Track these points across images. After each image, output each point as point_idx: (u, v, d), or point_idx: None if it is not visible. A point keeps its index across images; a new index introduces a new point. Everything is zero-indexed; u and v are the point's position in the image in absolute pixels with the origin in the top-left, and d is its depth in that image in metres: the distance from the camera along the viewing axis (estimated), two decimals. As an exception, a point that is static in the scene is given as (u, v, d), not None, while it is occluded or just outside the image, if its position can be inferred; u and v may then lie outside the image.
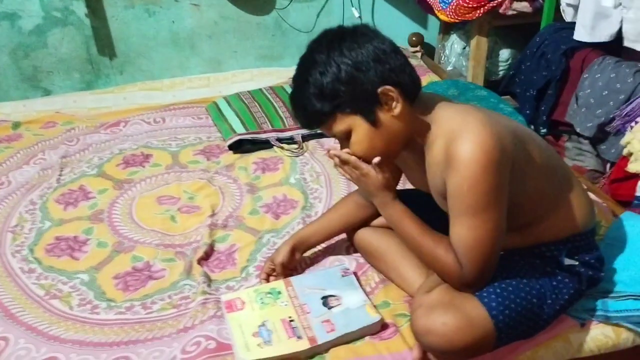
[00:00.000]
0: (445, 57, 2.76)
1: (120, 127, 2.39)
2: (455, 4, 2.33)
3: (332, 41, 1.20)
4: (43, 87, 2.70)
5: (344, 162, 1.29)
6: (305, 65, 1.22)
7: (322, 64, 1.18)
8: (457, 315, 1.18)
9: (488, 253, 1.16)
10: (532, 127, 2.25)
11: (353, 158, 1.26)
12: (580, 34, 1.92)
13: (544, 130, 2.21)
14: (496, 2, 2.30)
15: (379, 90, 1.17)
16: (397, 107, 1.19)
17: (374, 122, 1.20)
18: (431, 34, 2.95)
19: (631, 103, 1.68)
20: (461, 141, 1.13)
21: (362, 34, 1.20)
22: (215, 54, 2.82)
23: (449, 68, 2.73)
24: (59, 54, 2.65)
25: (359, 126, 1.21)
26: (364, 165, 1.27)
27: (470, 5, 2.30)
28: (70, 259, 1.68)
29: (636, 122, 1.63)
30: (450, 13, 2.36)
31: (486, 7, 2.31)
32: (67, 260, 1.68)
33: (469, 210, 1.14)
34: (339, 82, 1.17)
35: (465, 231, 1.15)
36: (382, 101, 1.18)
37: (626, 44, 1.76)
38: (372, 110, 1.19)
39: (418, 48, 2.86)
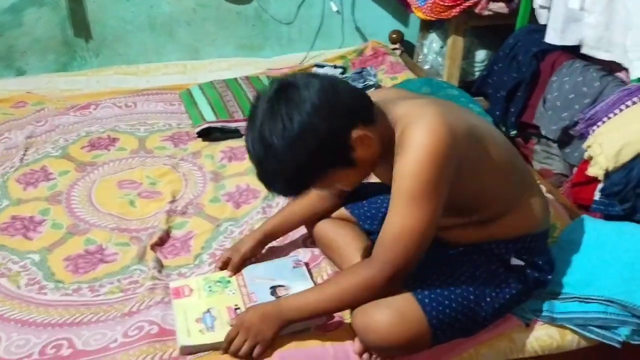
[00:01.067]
0: (423, 56, 2.75)
1: (90, 110, 2.37)
2: (431, 1, 2.32)
3: (282, 118, 1.09)
4: (17, 67, 2.67)
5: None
6: (267, 151, 1.11)
7: (283, 150, 1.09)
8: (390, 312, 1.17)
9: (412, 246, 1.14)
10: (503, 128, 2.24)
11: (232, 348, 1.23)
12: (551, 37, 1.91)
13: (513, 132, 2.21)
14: (472, 1, 2.29)
15: (350, 142, 1.13)
16: (367, 140, 1.15)
17: (352, 163, 1.16)
18: (412, 32, 2.94)
19: (595, 107, 1.67)
20: (413, 127, 1.12)
21: (299, 90, 1.11)
22: (193, 41, 2.80)
23: (427, 66, 2.72)
24: (34, 33, 2.62)
25: (339, 174, 1.18)
26: (239, 339, 1.23)
27: (446, 4, 2.30)
28: (24, 238, 1.67)
29: (598, 126, 1.63)
30: (427, 10, 2.35)
31: (462, 6, 2.31)
32: (20, 240, 1.66)
33: (405, 196, 1.12)
34: (309, 161, 1.11)
35: (396, 219, 1.14)
36: (354, 145, 1.14)
37: (584, 50, 1.75)
38: (348, 158, 1.15)
39: (397, 45, 2.85)
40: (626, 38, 1.58)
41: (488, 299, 1.26)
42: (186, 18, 2.75)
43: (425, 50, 2.74)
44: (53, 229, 1.70)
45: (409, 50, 2.92)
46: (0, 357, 1.29)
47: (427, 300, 1.21)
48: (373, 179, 1.47)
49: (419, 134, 1.11)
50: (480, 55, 2.57)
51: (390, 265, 1.16)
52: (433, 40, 2.69)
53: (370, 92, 1.30)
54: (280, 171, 1.12)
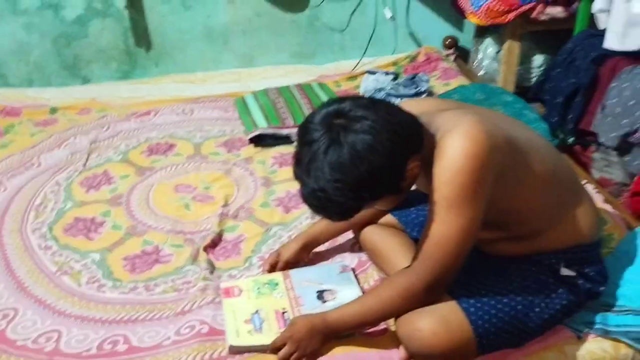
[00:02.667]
0: (478, 61, 2.71)
1: (150, 117, 2.47)
2: (486, 6, 2.29)
3: (344, 150, 1.08)
4: (82, 76, 2.81)
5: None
6: (322, 168, 1.10)
7: (344, 183, 1.09)
8: (434, 320, 1.17)
9: (451, 251, 1.14)
10: (561, 135, 2.19)
11: (280, 357, 1.26)
12: (611, 42, 1.86)
13: (571, 140, 2.15)
14: (528, 6, 2.25)
15: (405, 173, 1.14)
16: (416, 169, 1.16)
17: (400, 190, 1.18)
18: (466, 37, 2.91)
19: (656, 113, 1.62)
20: (451, 134, 1.12)
21: (361, 122, 1.09)
22: (248, 50, 2.87)
23: (482, 72, 2.68)
24: (98, 44, 2.75)
25: (385, 199, 1.19)
26: (288, 349, 1.26)
27: (501, 9, 2.27)
28: (86, 239, 1.75)
29: (659, 134, 1.58)
30: (481, 16, 2.32)
31: (518, 11, 2.27)
32: (82, 240, 1.75)
33: (443, 203, 1.12)
34: (366, 193, 1.12)
35: (434, 226, 1.14)
36: (406, 176, 1.16)
37: (649, 55, 1.70)
38: (398, 187, 1.17)
39: (452, 51, 2.83)
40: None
41: (537, 309, 1.24)
42: (242, 27, 2.82)
43: (480, 56, 2.70)
44: (113, 230, 1.79)
45: (463, 55, 2.89)
46: (61, 351, 1.36)
47: (472, 309, 1.20)
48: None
49: (456, 140, 1.11)
50: (538, 60, 2.51)
51: (428, 273, 1.16)
52: (488, 46, 2.65)
53: (412, 103, 1.31)
54: (332, 201, 1.12)
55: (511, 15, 2.27)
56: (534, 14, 2.27)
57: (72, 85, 2.77)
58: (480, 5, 2.30)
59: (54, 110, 2.53)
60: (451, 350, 1.18)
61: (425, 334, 1.17)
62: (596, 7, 1.93)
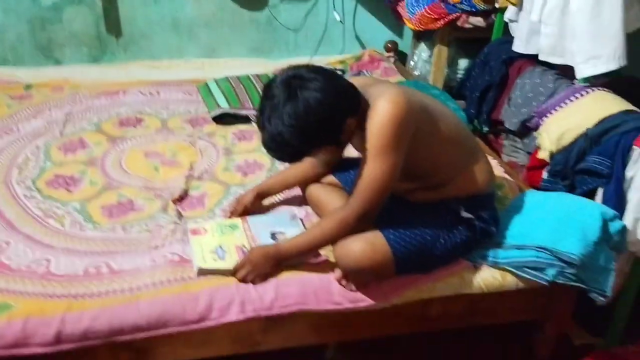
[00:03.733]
0: (414, 63, 3.10)
1: (119, 96, 2.71)
2: (419, 14, 2.68)
3: (298, 103, 1.39)
4: (55, 57, 3.02)
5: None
6: (281, 127, 1.40)
7: (295, 128, 1.39)
8: (362, 243, 1.51)
9: (378, 189, 1.47)
10: (477, 125, 2.57)
11: (239, 277, 1.57)
12: (517, 46, 2.25)
13: (486, 129, 2.54)
14: (454, 15, 2.65)
15: (344, 127, 1.46)
16: (353, 125, 1.49)
17: (338, 143, 1.51)
18: (405, 43, 3.29)
19: (546, 102, 2.01)
20: (379, 100, 1.46)
21: (313, 82, 1.41)
22: (210, 42, 3.15)
23: (416, 72, 3.06)
24: (71, 29, 2.97)
25: (327, 148, 1.53)
26: (245, 270, 1.57)
27: (432, 17, 2.65)
28: (66, 191, 2.00)
29: (547, 117, 1.96)
30: (416, 22, 2.70)
31: (446, 19, 2.66)
32: (63, 192, 1.99)
33: (372, 152, 1.46)
34: (312, 139, 1.44)
35: (366, 169, 1.48)
36: (344, 130, 1.48)
37: (541, 57, 2.09)
38: (337, 139, 1.49)
39: (392, 54, 3.20)
40: (573, 45, 1.91)
41: (442, 241, 1.59)
42: (206, 21, 3.10)
43: (415, 59, 3.09)
44: (90, 185, 2.04)
45: (402, 58, 3.27)
46: (52, 272, 1.61)
47: (392, 236, 1.54)
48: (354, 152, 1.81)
49: (382, 104, 1.45)
50: (463, 63, 2.91)
51: (359, 206, 1.49)
52: (422, 50, 3.04)
53: (354, 79, 1.65)
54: (287, 144, 1.43)
55: (440, 23, 2.66)
56: (459, 22, 2.67)
57: (45, 66, 2.97)
58: (415, 13, 2.69)
59: (28, 87, 2.74)
60: (375, 266, 1.52)
61: (356, 253, 1.51)
62: (507, 16, 2.34)
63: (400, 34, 3.30)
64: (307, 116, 1.40)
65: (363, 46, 3.30)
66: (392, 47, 3.21)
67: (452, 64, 2.93)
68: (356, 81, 1.61)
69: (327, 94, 1.42)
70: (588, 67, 1.86)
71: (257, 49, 3.22)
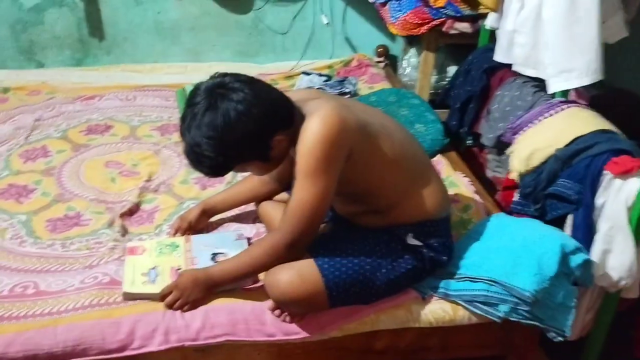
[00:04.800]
0: (403, 69, 2.96)
1: (94, 101, 2.66)
2: (402, 19, 2.54)
3: (219, 114, 1.30)
4: (37, 60, 2.99)
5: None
6: (201, 137, 1.31)
7: (216, 140, 1.30)
8: (291, 273, 1.40)
9: (307, 215, 1.36)
10: (464, 137, 2.43)
11: (166, 303, 1.47)
12: (498, 55, 2.10)
13: (469, 141, 2.39)
14: (439, 21, 2.50)
15: (271, 143, 1.37)
16: (283, 143, 1.39)
17: (267, 159, 1.41)
18: (397, 47, 3.15)
19: (521, 117, 1.86)
20: (311, 118, 1.35)
21: (238, 92, 1.31)
22: (194, 45, 3.07)
23: (405, 79, 2.93)
24: (53, 31, 2.93)
25: (255, 164, 1.43)
26: (173, 295, 1.47)
27: (415, 22, 2.51)
28: (16, 202, 1.94)
29: (520, 135, 1.82)
30: (399, 27, 2.57)
31: (430, 25, 2.52)
32: (12, 203, 1.93)
33: (300, 174, 1.35)
34: (234, 153, 1.35)
35: (295, 194, 1.37)
36: (272, 146, 1.38)
37: (514, 68, 1.93)
38: (265, 155, 1.39)
39: (382, 59, 3.07)
40: (545, 57, 1.76)
41: (384, 270, 1.46)
42: (190, 24, 3.03)
43: (405, 64, 2.95)
44: (42, 197, 1.98)
45: (393, 63, 3.14)
46: (-24, 292, 1.55)
47: (325, 266, 1.42)
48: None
49: (313, 123, 1.34)
50: (452, 70, 2.76)
51: (289, 233, 1.38)
52: (412, 56, 2.90)
53: (293, 92, 1.54)
54: (205, 156, 1.34)
55: (424, 28, 2.52)
56: (444, 28, 2.52)
57: (26, 69, 2.95)
58: (398, 18, 2.55)
59: (5, 90, 2.71)
60: (304, 298, 1.41)
61: (282, 283, 1.40)
62: (488, 24, 2.19)
63: (392, 38, 3.16)
64: (226, 128, 1.31)
65: (354, 50, 3.17)
66: (383, 52, 3.08)
67: (440, 70, 2.78)
68: (296, 94, 1.51)
69: (251, 106, 1.32)
70: (559, 81, 1.70)
71: (243, 52, 3.13)
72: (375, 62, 3.03)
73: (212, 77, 1.38)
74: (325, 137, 1.33)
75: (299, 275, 1.40)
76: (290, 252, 1.41)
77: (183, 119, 1.37)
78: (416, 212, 1.51)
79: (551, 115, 1.78)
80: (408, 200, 1.50)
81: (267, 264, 1.43)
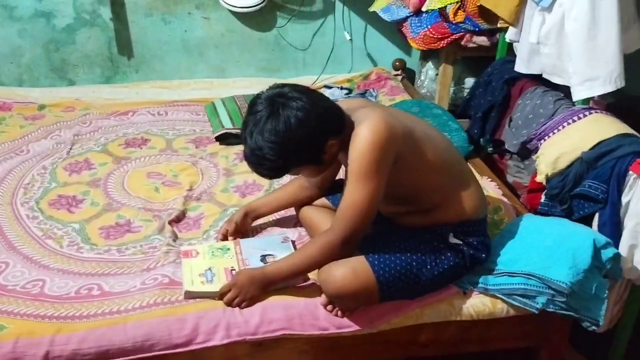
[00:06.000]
0: (421, 82, 3.09)
1: (128, 116, 2.78)
2: (423, 34, 2.67)
3: (280, 120, 1.42)
4: (68, 78, 3.11)
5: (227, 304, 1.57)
6: (262, 142, 1.43)
7: (276, 145, 1.42)
8: (345, 268, 1.51)
9: (359, 214, 1.47)
10: (483, 145, 2.55)
11: (225, 300, 1.57)
12: (519, 66, 2.23)
13: (490, 149, 2.51)
14: (458, 35, 2.64)
15: (325, 148, 1.49)
16: (336, 146, 1.51)
17: (319, 163, 1.53)
18: (413, 61, 3.29)
19: (545, 124, 1.98)
20: (361, 126, 1.47)
21: (296, 101, 1.44)
22: (220, 62, 3.20)
23: (423, 91, 3.06)
24: (84, 50, 3.06)
25: (308, 168, 1.56)
26: (232, 293, 1.57)
27: (435, 36, 2.65)
28: (67, 212, 2.05)
29: (545, 140, 1.94)
30: (419, 42, 2.70)
31: (449, 39, 2.65)
32: (64, 213, 2.04)
33: (352, 177, 1.46)
34: (293, 157, 1.46)
35: (347, 195, 1.48)
36: (326, 150, 1.50)
37: (545, 75, 2.06)
38: (319, 159, 1.52)
39: (400, 72, 3.20)
40: (569, 67, 1.89)
41: (428, 267, 1.57)
42: (215, 42, 3.16)
43: (422, 77, 3.08)
44: (91, 206, 2.08)
45: (410, 76, 3.27)
46: (45, 294, 1.65)
47: (376, 262, 1.53)
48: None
49: (363, 130, 1.46)
50: (469, 82, 2.89)
51: (342, 231, 1.49)
52: (429, 69, 3.03)
53: (342, 101, 1.66)
54: (266, 159, 1.46)
55: (444, 42, 2.65)
56: (463, 42, 2.66)
57: (58, 87, 3.06)
58: (418, 33, 2.68)
59: (41, 107, 2.83)
60: (357, 292, 1.51)
61: (337, 278, 1.50)
62: (508, 37, 2.32)
63: (408, 52, 3.30)
64: (287, 134, 1.42)
65: (372, 64, 3.31)
66: (400, 66, 3.21)
67: (458, 82, 2.91)
68: (345, 103, 1.62)
69: (309, 114, 1.44)
70: (584, 89, 1.83)
71: (265, 68, 3.25)
72: (393, 75, 3.16)
73: (271, 87, 1.50)
74: (374, 143, 1.45)
75: (352, 270, 1.51)
76: (343, 249, 1.52)
77: (245, 125, 1.49)
78: (457, 213, 1.62)
79: (574, 121, 1.90)
80: (449, 201, 1.61)
81: (322, 261, 1.54)
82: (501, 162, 2.52)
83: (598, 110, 1.92)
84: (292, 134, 1.43)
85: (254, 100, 1.49)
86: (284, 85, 1.51)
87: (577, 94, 1.87)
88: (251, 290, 1.58)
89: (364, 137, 1.45)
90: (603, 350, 1.91)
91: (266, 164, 1.47)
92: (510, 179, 2.45)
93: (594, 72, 1.81)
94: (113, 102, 2.92)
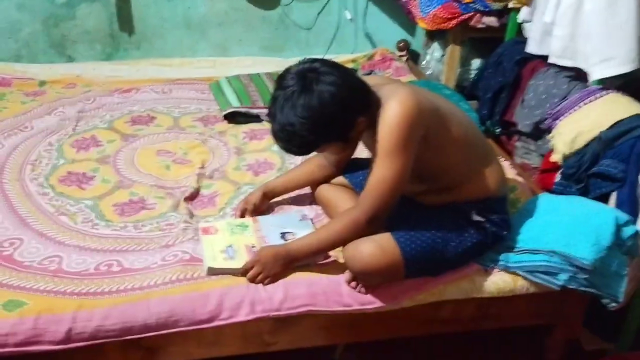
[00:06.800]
0: (426, 62, 3.08)
1: (131, 93, 2.73)
2: (432, 14, 2.66)
3: (313, 94, 1.40)
4: (68, 55, 3.04)
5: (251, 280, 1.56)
6: (293, 118, 1.41)
7: (306, 121, 1.40)
8: (372, 245, 1.51)
9: (387, 190, 1.47)
10: (490, 126, 2.56)
11: (249, 277, 1.56)
12: (531, 47, 2.24)
13: (498, 130, 2.52)
14: (468, 15, 2.64)
15: (354, 125, 1.47)
16: (364, 123, 1.49)
17: (347, 140, 1.52)
18: (417, 41, 3.28)
19: (559, 104, 1.99)
20: (389, 102, 1.46)
21: (328, 76, 1.41)
22: (222, 40, 3.15)
23: (429, 72, 3.05)
24: (85, 26, 2.99)
25: (335, 145, 1.53)
26: (255, 270, 1.56)
27: (445, 16, 2.64)
28: (79, 188, 2.01)
29: (560, 120, 1.95)
30: (429, 21, 2.69)
31: (459, 19, 2.65)
32: (75, 189, 2.00)
33: (382, 153, 1.46)
34: (323, 133, 1.44)
35: (376, 170, 1.48)
36: (354, 128, 1.49)
37: (550, 60, 2.07)
38: (347, 136, 1.50)
39: (404, 53, 3.19)
40: (587, 47, 1.90)
41: (452, 244, 1.58)
42: (218, 20, 3.11)
43: (428, 58, 3.07)
44: (102, 183, 2.05)
45: (414, 57, 3.26)
46: (63, 270, 1.62)
47: (402, 239, 1.53)
48: (364, 154, 1.80)
49: (392, 106, 1.45)
50: (476, 63, 2.90)
51: (369, 208, 1.49)
52: (435, 49, 3.02)
53: (367, 77, 1.65)
54: (297, 135, 1.44)
55: (453, 22, 2.65)
56: (472, 22, 2.66)
57: (57, 63, 2.99)
58: (428, 12, 2.67)
59: (42, 84, 2.77)
60: (384, 269, 1.51)
61: (364, 255, 1.50)
62: (521, 17, 2.32)
63: (412, 32, 3.28)
64: (321, 109, 1.41)
65: (374, 45, 3.29)
66: (404, 46, 3.20)
67: (464, 63, 2.91)
68: (369, 80, 1.61)
69: (342, 89, 1.43)
70: (601, 69, 1.84)
71: (269, 47, 3.21)
72: (398, 56, 3.15)
73: (301, 62, 1.48)
74: (404, 119, 1.44)
75: (379, 247, 1.51)
76: (370, 226, 1.51)
77: (274, 100, 1.47)
78: (479, 191, 1.62)
79: (591, 101, 1.91)
80: (472, 179, 1.62)
81: (348, 238, 1.53)
82: (509, 144, 2.53)
83: (614, 90, 1.94)
84: (325, 109, 1.41)
85: (284, 75, 1.47)
86: (314, 60, 1.49)
87: (595, 74, 1.89)
88: (275, 267, 1.58)
89: (394, 113, 1.44)
90: (614, 328, 1.93)
91: (296, 140, 1.45)
92: (518, 160, 2.46)
93: (612, 52, 1.83)
94: (114, 79, 2.86)
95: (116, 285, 1.57)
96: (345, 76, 1.45)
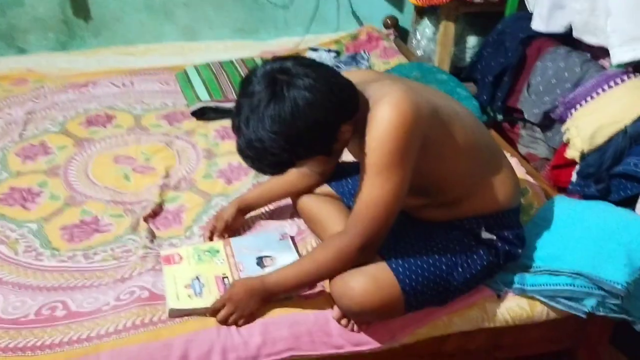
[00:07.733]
0: (416, 41, 2.80)
1: (88, 88, 2.43)
2: (424, -13, 2.38)
3: (284, 104, 1.13)
4: (18, 46, 2.73)
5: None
6: (262, 120, 1.14)
7: (278, 135, 1.13)
8: (365, 279, 1.25)
9: (380, 216, 1.21)
10: (491, 113, 2.30)
11: (219, 318, 1.31)
12: (537, 24, 1.96)
13: (500, 117, 2.26)
14: (463, -13, 2.36)
15: (337, 135, 1.20)
16: (350, 132, 1.22)
17: (330, 152, 1.24)
18: (406, 18, 2.98)
19: (574, 91, 1.73)
20: (380, 105, 1.19)
21: (300, 79, 1.14)
22: (190, 23, 2.85)
23: (419, 52, 2.77)
24: (35, 12, 2.67)
25: (317, 159, 1.25)
26: (227, 309, 1.31)
27: (438, -11, 2.36)
28: (22, 208, 1.74)
29: (576, 110, 1.69)
30: (420, -4, 2.41)
31: (454, -8, 2.37)
32: (18, 210, 1.73)
33: (372, 169, 1.19)
34: (299, 148, 1.17)
35: (365, 192, 1.21)
36: (338, 138, 1.21)
37: (575, 35, 1.81)
38: (329, 148, 1.22)
39: (392, 31, 2.90)
40: (607, 24, 1.63)
41: (460, 269, 1.33)
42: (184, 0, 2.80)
43: (418, 36, 2.79)
44: (51, 200, 1.77)
45: (403, 35, 2.97)
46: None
47: (400, 269, 1.28)
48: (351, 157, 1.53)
49: (383, 110, 1.18)
50: (472, 41, 2.62)
51: (360, 234, 1.23)
52: (426, 27, 2.74)
53: (350, 73, 1.36)
54: (268, 152, 1.16)
55: (447, -4, 2.36)
56: (469, -5, 2.38)
57: (6, 56, 2.68)
58: (419, -14, 2.39)
59: (-14, 80, 2.46)
60: (380, 307, 1.26)
61: (356, 292, 1.25)
62: (525, -10, 2.05)
63: (400, 8, 2.99)
64: (294, 121, 1.13)
65: (360, 23, 2.99)
66: (392, 23, 2.91)
67: (459, 42, 2.63)
68: (353, 76, 1.32)
69: (320, 94, 1.15)
70: (626, 51, 1.58)
71: (242, 29, 2.91)
72: (385, 34, 2.86)
73: (269, 62, 1.20)
74: (398, 128, 1.17)
75: (373, 281, 1.25)
76: (361, 255, 1.26)
77: (238, 109, 1.19)
78: (488, 203, 1.37)
79: (611, 87, 1.65)
80: (480, 190, 1.36)
81: (336, 269, 1.28)
82: (512, 132, 2.28)
83: (636, 75, 1.68)
84: (300, 120, 1.13)
85: (249, 78, 1.19)
86: (285, 58, 1.21)
87: (618, 57, 1.63)
88: (250, 304, 1.32)
89: (386, 120, 1.17)
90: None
91: (267, 159, 1.18)
92: (522, 150, 2.21)
93: (637, 31, 1.55)
94: (70, 72, 2.56)
95: (59, 336, 1.30)
96: (324, 77, 1.17)
